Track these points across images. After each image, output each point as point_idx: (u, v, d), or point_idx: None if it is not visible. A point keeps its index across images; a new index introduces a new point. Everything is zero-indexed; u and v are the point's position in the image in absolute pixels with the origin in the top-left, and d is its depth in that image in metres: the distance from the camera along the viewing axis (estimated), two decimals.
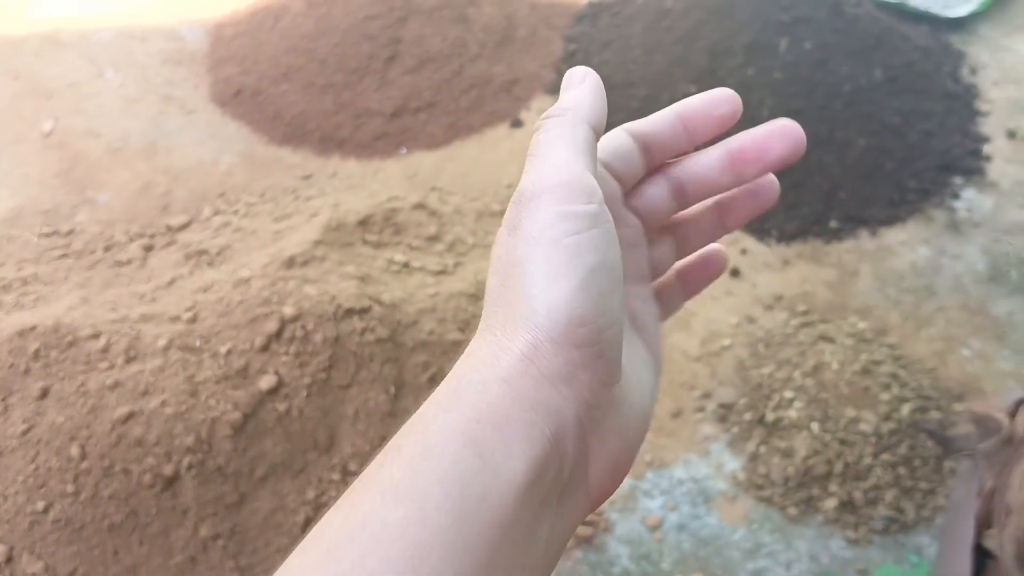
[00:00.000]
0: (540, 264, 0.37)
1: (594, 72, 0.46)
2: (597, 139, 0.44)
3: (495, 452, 0.34)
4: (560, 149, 0.41)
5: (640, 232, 0.50)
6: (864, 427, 1.76)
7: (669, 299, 0.56)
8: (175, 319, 1.68)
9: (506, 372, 0.36)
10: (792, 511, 1.75)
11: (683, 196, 0.50)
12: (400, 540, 0.31)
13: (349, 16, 2.28)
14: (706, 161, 0.49)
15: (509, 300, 0.38)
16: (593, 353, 0.37)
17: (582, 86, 0.45)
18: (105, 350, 1.62)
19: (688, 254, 0.54)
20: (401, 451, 0.35)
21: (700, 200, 0.51)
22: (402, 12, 2.31)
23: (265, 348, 1.62)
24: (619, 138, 0.47)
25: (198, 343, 1.64)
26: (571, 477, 0.38)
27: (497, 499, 0.33)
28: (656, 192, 0.49)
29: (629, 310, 0.48)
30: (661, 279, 0.54)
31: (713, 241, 0.55)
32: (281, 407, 1.61)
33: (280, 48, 2.30)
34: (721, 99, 0.47)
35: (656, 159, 0.49)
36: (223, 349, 1.63)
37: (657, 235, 0.51)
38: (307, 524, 1.61)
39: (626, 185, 0.48)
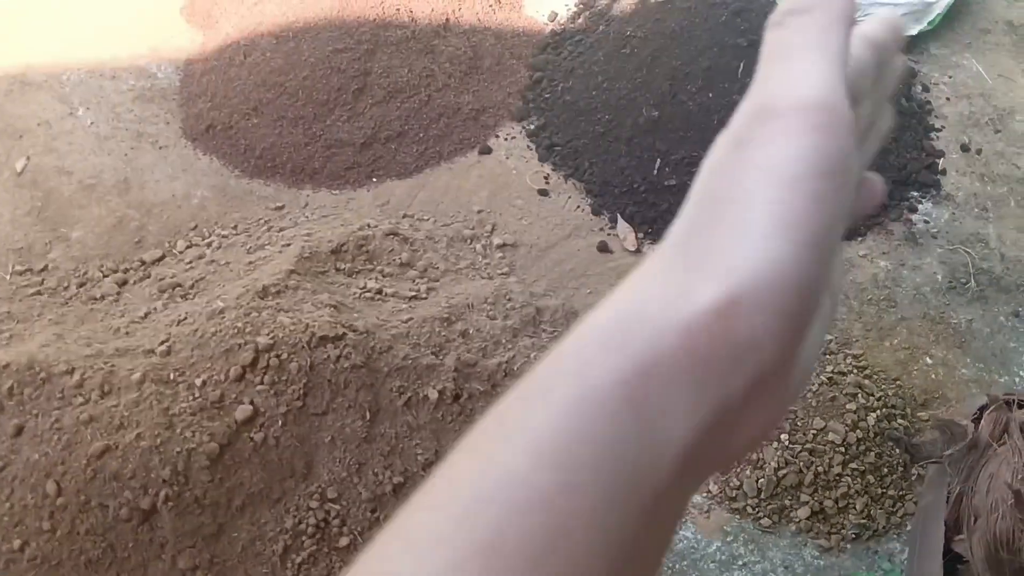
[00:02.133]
0: (767, 206, 0.31)
1: None
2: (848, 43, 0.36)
3: (658, 416, 0.29)
4: (816, 57, 0.34)
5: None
6: (832, 437, 1.81)
7: None
8: (150, 352, 1.70)
9: (690, 322, 0.30)
10: (765, 522, 1.78)
11: (874, 111, 0.43)
12: (546, 511, 0.27)
13: (317, 50, 2.33)
14: (889, 78, 0.44)
15: (713, 235, 0.32)
16: (790, 322, 0.31)
17: None
18: (79, 385, 1.63)
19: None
20: (550, 394, 0.30)
21: (881, 124, 0.44)
22: (370, 44, 2.36)
23: (240, 378, 1.64)
24: (864, 54, 0.39)
25: (173, 376, 1.65)
26: (723, 445, 0.33)
27: (652, 472, 0.29)
28: (867, 107, 0.42)
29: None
30: None
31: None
32: (257, 437, 1.62)
33: (250, 83, 2.34)
34: (899, 22, 0.43)
35: (881, 70, 0.42)
36: (198, 381, 1.64)
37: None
38: (286, 552, 1.62)
39: (856, 103, 0.39)
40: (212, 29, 2.59)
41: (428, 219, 2.22)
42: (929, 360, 2.02)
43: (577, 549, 0.27)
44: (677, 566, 1.73)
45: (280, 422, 1.64)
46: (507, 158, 2.39)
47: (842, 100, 0.33)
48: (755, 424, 0.33)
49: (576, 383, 0.29)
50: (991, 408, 1.56)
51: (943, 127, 2.52)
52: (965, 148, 2.46)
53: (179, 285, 1.97)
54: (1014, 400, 1.56)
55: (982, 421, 1.56)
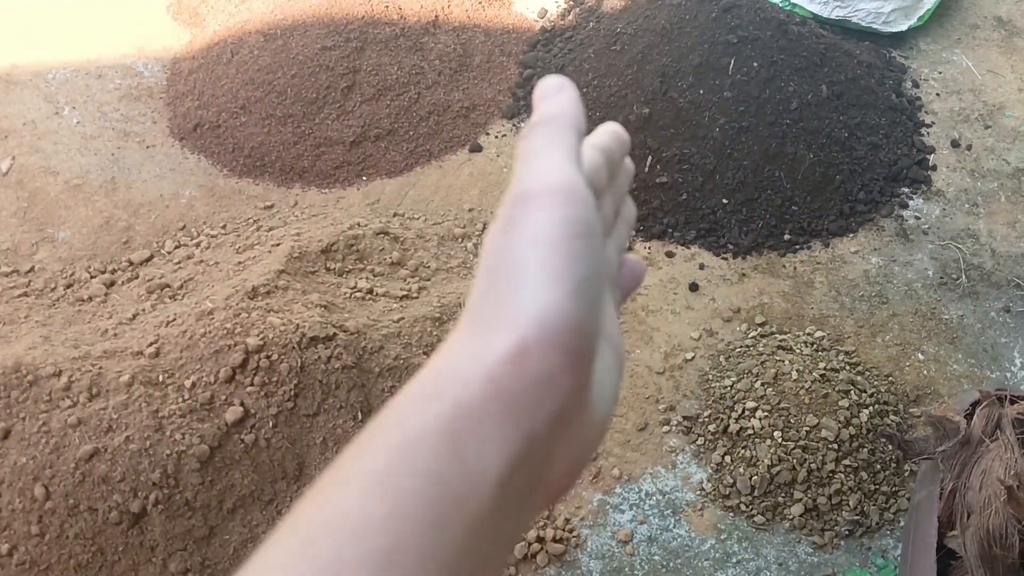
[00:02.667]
0: (536, 265, 0.38)
1: (569, 80, 0.48)
2: (580, 146, 0.46)
3: (473, 450, 0.34)
4: (554, 154, 0.42)
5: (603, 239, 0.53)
6: (825, 434, 1.80)
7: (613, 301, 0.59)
8: (138, 354, 1.68)
9: (489, 370, 0.36)
10: (759, 519, 1.78)
11: (616, 206, 0.54)
12: (379, 535, 0.31)
13: (306, 47, 2.31)
14: (623, 179, 0.55)
15: (499, 298, 0.39)
16: (575, 357, 0.37)
17: (562, 95, 0.46)
18: (67, 388, 1.62)
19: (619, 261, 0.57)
20: (377, 446, 0.35)
21: (626, 215, 0.56)
22: (358, 42, 2.34)
23: (230, 380, 1.62)
24: (593, 155, 0.50)
25: (162, 377, 1.64)
26: (538, 476, 0.39)
27: (473, 497, 0.33)
28: (608, 203, 0.53)
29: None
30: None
31: (625, 245, 0.58)
32: (248, 438, 1.61)
33: (238, 81, 2.32)
34: (621, 129, 0.54)
35: (611, 174, 0.52)
36: (188, 382, 1.62)
37: (606, 242, 0.55)
38: None
39: (596, 196, 0.50)
40: (199, 27, 2.57)
41: (419, 218, 2.21)
42: (921, 356, 2.02)
43: (412, 564, 0.31)
44: (671, 564, 1.73)
45: (271, 423, 1.62)
46: (498, 156, 2.38)
47: (579, 182, 0.41)
48: (566, 457, 0.39)
49: (399, 431, 0.34)
50: (983, 404, 1.56)
51: (933, 123, 2.52)
52: (955, 144, 2.47)
53: (167, 286, 1.95)
54: (1006, 396, 1.56)
55: (974, 417, 1.56)
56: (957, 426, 1.55)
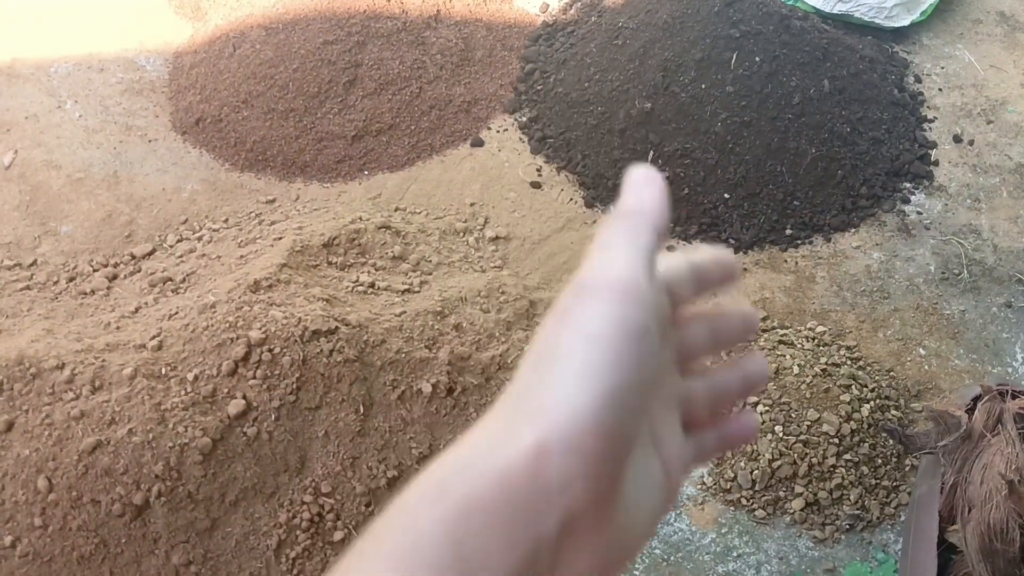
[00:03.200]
0: (577, 360, 0.37)
1: (659, 176, 0.46)
2: (659, 245, 0.44)
3: (477, 554, 0.34)
4: (625, 250, 0.41)
5: (675, 358, 0.49)
6: (826, 428, 1.81)
7: (701, 442, 0.53)
8: (141, 347, 1.68)
9: (505, 466, 0.35)
10: (760, 513, 1.79)
11: (716, 340, 0.51)
12: None
13: (308, 42, 2.31)
14: (731, 319, 0.52)
15: (535, 388, 0.38)
16: (596, 466, 0.36)
17: (649, 189, 0.45)
18: (70, 381, 1.62)
19: (720, 406, 0.52)
20: (382, 547, 0.35)
21: (727, 347, 0.52)
22: (360, 36, 2.34)
23: (232, 373, 1.63)
24: (678, 262, 0.48)
25: (164, 370, 1.64)
26: None
27: None
28: (699, 329, 0.49)
29: (654, 432, 0.47)
30: (696, 419, 0.52)
31: (739, 401, 0.54)
32: (250, 431, 1.61)
33: (240, 75, 2.32)
34: (732, 259, 0.52)
35: (702, 289, 0.49)
36: (190, 375, 1.63)
37: (692, 373, 0.51)
38: (280, 547, 1.61)
39: (676, 308, 0.48)
40: (201, 21, 2.57)
41: (420, 212, 2.21)
42: (922, 351, 2.03)
43: None
44: (672, 558, 1.73)
45: (273, 416, 1.63)
46: (499, 150, 2.38)
47: (642, 281, 0.40)
48: (582, 564, 0.38)
49: (403, 535, 0.34)
50: (984, 399, 1.56)
51: (935, 118, 2.52)
52: (957, 139, 2.46)
53: (170, 279, 1.96)
54: (1007, 390, 1.56)
55: (976, 412, 1.56)
56: (958, 421, 1.56)
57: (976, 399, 1.59)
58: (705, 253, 0.50)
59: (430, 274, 2.00)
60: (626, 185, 0.46)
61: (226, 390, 1.62)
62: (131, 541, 1.55)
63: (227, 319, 1.66)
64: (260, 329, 1.64)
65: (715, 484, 1.82)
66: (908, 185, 2.34)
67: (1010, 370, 2.01)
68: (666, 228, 0.44)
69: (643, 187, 0.45)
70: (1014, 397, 1.57)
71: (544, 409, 0.36)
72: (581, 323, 0.38)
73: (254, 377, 1.63)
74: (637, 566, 1.72)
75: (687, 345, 0.49)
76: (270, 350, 1.63)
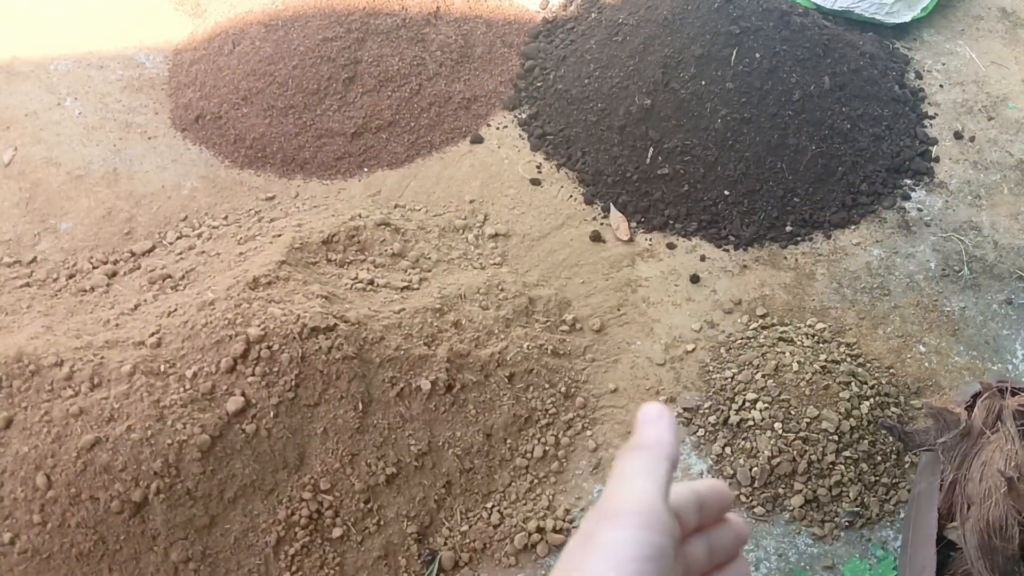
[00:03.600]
0: None
1: (670, 412, 0.53)
2: (673, 474, 0.50)
3: None
4: (643, 479, 0.46)
5: (681, 575, 0.55)
6: (826, 425, 1.80)
7: None
8: (140, 344, 1.68)
9: None
10: (759, 510, 1.78)
11: (712, 555, 0.57)
12: None
13: (307, 38, 2.31)
14: (724, 533, 0.58)
15: None
16: None
17: (661, 423, 0.51)
18: (69, 378, 1.62)
19: None
20: None
21: (721, 561, 0.58)
22: (360, 33, 2.34)
23: (231, 370, 1.63)
24: (686, 492, 0.55)
25: (163, 367, 1.64)
26: None
27: None
28: (700, 546, 0.56)
29: None
30: None
31: None
32: (249, 428, 1.61)
33: (239, 72, 2.32)
34: (728, 491, 0.59)
35: (703, 519, 0.56)
36: (189, 372, 1.63)
37: None
38: (278, 544, 1.61)
39: (683, 532, 0.54)
40: (201, 18, 2.56)
41: (420, 209, 2.21)
42: (922, 348, 2.02)
43: None
44: None
45: (272, 413, 1.63)
46: (499, 147, 2.38)
47: (660, 508, 0.45)
48: None
49: None
50: (984, 395, 1.55)
51: (936, 114, 2.51)
52: (958, 135, 2.46)
53: (169, 276, 1.96)
54: (1007, 387, 1.56)
55: (975, 409, 1.56)
56: (958, 418, 1.55)
57: (976, 396, 1.58)
58: (704, 485, 0.57)
59: (429, 271, 2.00)
60: (641, 420, 0.52)
61: (225, 387, 1.62)
62: (130, 538, 1.55)
63: (226, 316, 1.66)
64: (259, 326, 1.64)
65: None
66: (909, 182, 2.33)
67: (1010, 367, 2.00)
68: (677, 459, 0.51)
69: (656, 421, 0.51)
70: (1014, 394, 1.57)
71: None
72: (606, 548, 0.43)
73: (253, 374, 1.63)
74: None
75: (692, 561, 0.55)
76: (269, 347, 1.63)
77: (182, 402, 1.60)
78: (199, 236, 2.10)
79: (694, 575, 0.56)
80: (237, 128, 2.29)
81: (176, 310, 1.76)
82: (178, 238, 2.11)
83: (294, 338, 1.64)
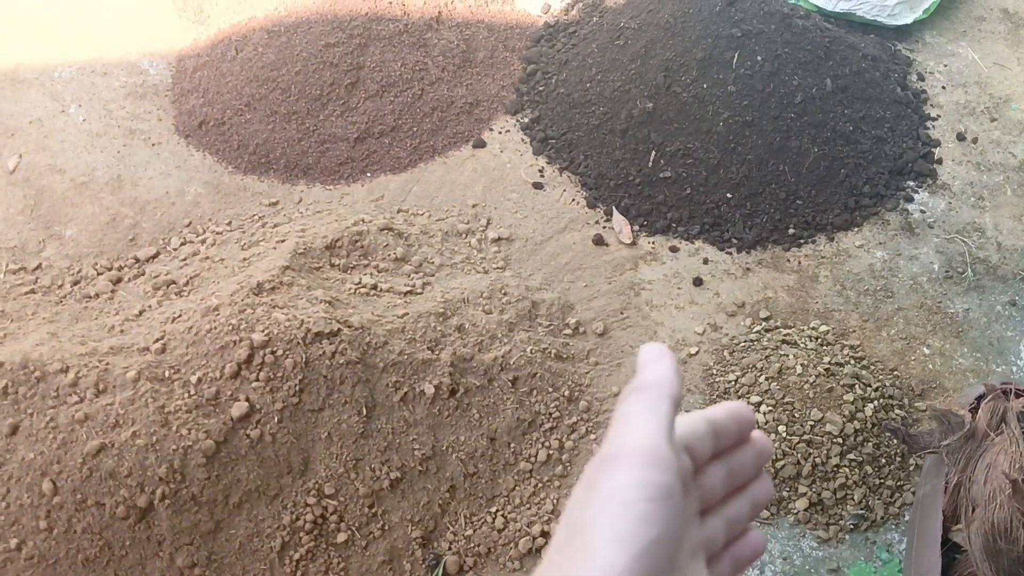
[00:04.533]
0: (607, 525, 0.41)
1: (670, 351, 0.52)
2: (676, 411, 0.49)
3: None
4: (644, 419, 0.46)
5: (698, 508, 0.54)
6: (830, 428, 1.80)
7: (719, 570, 0.59)
8: (144, 350, 1.69)
9: None
10: (763, 513, 1.78)
11: (731, 480, 0.56)
12: None
13: (309, 44, 2.31)
14: (743, 455, 0.57)
15: (570, 556, 0.41)
16: None
17: (661, 362, 0.50)
18: (74, 384, 1.63)
19: (733, 535, 0.58)
20: None
21: (742, 483, 0.57)
22: (362, 39, 2.34)
23: (236, 375, 1.63)
24: (698, 423, 0.53)
25: (168, 373, 1.65)
26: None
27: None
28: (716, 474, 0.55)
29: None
30: (715, 552, 0.58)
31: (748, 524, 0.59)
32: (253, 433, 1.61)
33: (242, 78, 2.33)
34: (748, 411, 0.57)
35: (720, 446, 0.55)
36: (193, 378, 1.63)
37: (711, 514, 0.56)
38: (283, 549, 1.62)
39: (697, 463, 0.53)
40: (204, 24, 2.57)
41: (423, 214, 2.21)
42: (926, 350, 2.02)
43: None
44: None
45: (276, 418, 1.63)
46: (501, 151, 2.39)
47: (664, 447, 0.44)
48: None
49: None
50: (988, 397, 1.55)
51: (939, 116, 2.51)
52: (961, 137, 2.46)
53: (173, 282, 1.96)
54: (1011, 389, 1.56)
55: (979, 411, 1.56)
56: (962, 420, 1.55)
57: (980, 398, 1.58)
58: (721, 410, 0.55)
59: (432, 275, 2.00)
60: (640, 360, 0.51)
61: (229, 392, 1.63)
62: (135, 544, 1.56)
63: (230, 322, 1.67)
64: (263, 331, 1.65)
65: None
66: (911, 183, 2.33)
67: (1015, 368, 2.00)
68: (680, 397, 0.50)
69: (656, 361, 0.50)
70: (1018, 396, 1.57)
71: (584, 573, 0.40)
72: (608, 492, 0.42)
73: (257, 379, 1.63)
74: None
75: (708, 491, 0.54)
76: (273, 352, 1.64)
77: (187, 408, 1.61)
78: (203, 242, 2.11)
79: (714, 501, 0.55)
80: (240, 134, 2.30)
81: (180, 316, 1.77)
82: (182, 244, 2.12)
83: (298, 343, 1.65)
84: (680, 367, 0.51)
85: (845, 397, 1.84)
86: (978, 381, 1.93)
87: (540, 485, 1.80)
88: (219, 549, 1.60)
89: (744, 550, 0.56)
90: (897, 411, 1.89)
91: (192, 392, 1.62)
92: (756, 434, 0.58)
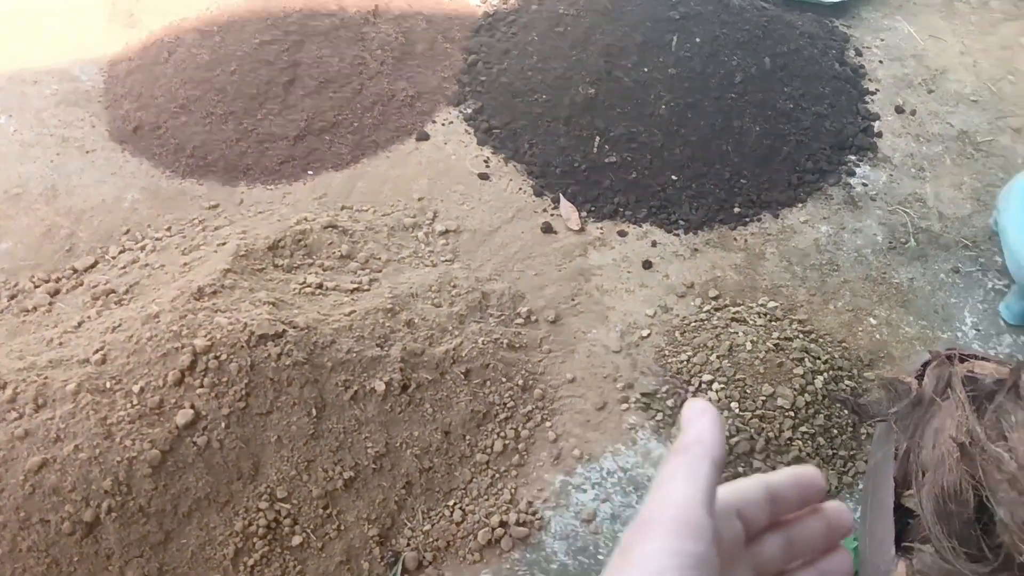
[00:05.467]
0: None
1: (712, 407, 0.50)
2: (719, 474, 0.47)
3: None
4: (682, 484, 0.45)
5: None
6: (781, 402, 1.82)
7: None
8: (84, 362, 1.65)
9: None
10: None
11: (791, 551, 0.54)
12: None
13: (244, 43, 2.27)
14: (810, 526, 0.54)
15: None
16: None
17: (703, 420, 0.48)
18: (12, 400, 1.58)
19: None
20: None
21: (803, 557, 0.55)
22: (298, 35, 2.31)
23: (179, 382, 1.60)
24: (752, 487, 0.52)
25: (109, 384, 1.61)
26: None
27: None
28: (774, 543, 0.53)
29: None
30: None
31: None
32: (200, 440, 1.58)
33: (176, 80, 2.28)
34: (816, 477, 0.54)
35: (778, 513, 0.53)
36: (136, 387, 1.60)
37: None
38: (237, 555, 1.59)
39: (750, 530, 0.51)
40: (135, 28, 2.52)
41: (367, 209, 2.19)
42: (873, 320, 2.04)
43: None
44: None
45: (223, 424, 1.60)
46: (445, 143, 2.37)
47: (699, 514, 0.43)
48: None
49: None
50: (933, 364, 1.57)
51: (877, 90, 2.54)
52: (900, 110, 2.49)
53: (113, 291, 1.92)
54: (955, 355, 1.58)
55: (925, 377, 1.58)
56: (909, 387, 1.57)
57: (926, 365, 1.60)
58: (783, 474, 0.53)
59: (379, 271, 1.98)
60: (683, 417, 0.50)
61: (173, 400, 1.59)
62: (83, 559, 1.52)
63: (171, 328, 1.63)
64: (205, 337, 1.61)
65: None
66: (853, 158, 2.36)
67: (960, 334, 2.03)
68: (724, 457, 0.48)
69: (698, 419, 0.49)
70: (962, 360, 1.59)
71: None
72: (641, 561, 0.41)
73: (201, 386, 1.60)
74: (602, 551, 1.72)
75: (764, 560, 0.53)
76: (216, 357, 1.61)
77: (130, 418, 1.57)
78: (142, 249, 2.06)
79: (771, 572, 0.53)
80: (177, 137, 2.25)
81: (120, 325, 1.73)
82: (121, 252, 2.07)
83: (242, 347, 1.62)
84: (723, 425, 0.49)
85: (795, 371, 1.85)
86: (924, 349, 1.96)
87: (497, 476, 1.79)
88: (170, 560, 1.56)
89: None
90: (847, 382, 1.91)
91: (135, 402, 1.59)
92: (831, 505, 0.55)
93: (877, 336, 2.02)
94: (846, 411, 1.83)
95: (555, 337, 2.00)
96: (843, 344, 1.99)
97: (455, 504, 1.74)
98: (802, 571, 0.54)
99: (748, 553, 0.52)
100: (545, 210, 2.24)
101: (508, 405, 1.86)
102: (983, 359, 1.60)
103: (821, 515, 0.54)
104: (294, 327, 1.68)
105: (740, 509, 0.50)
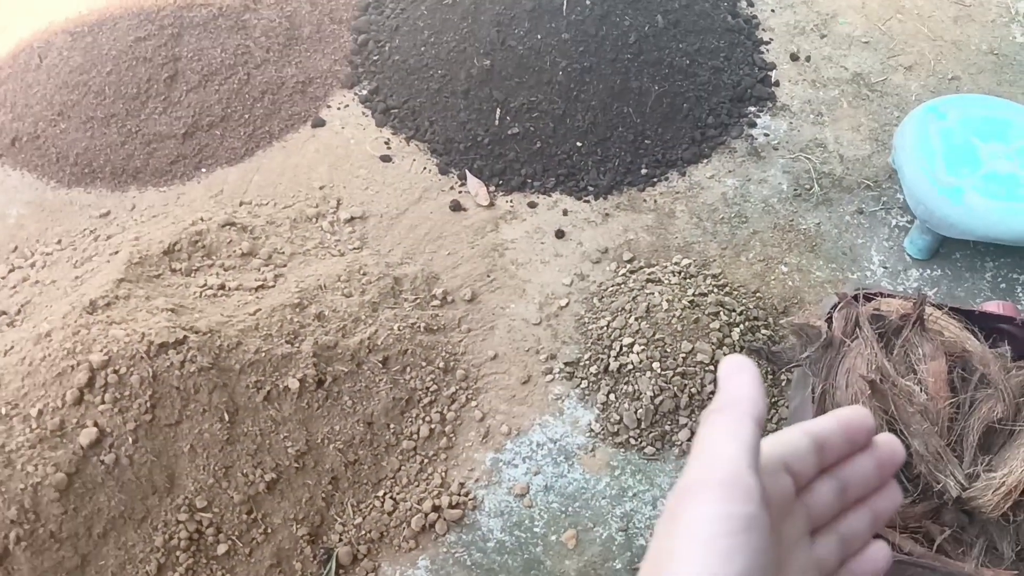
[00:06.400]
0: (689, 563, 0.39)
1: (751, 363, 0.47)
2: (761, 431, 0.45)
3: None
4: (724, 444, 0.43)
5: (806, 528, 0.51)
6: (701, 357, 1.83)
7: None
8: None
9: None
10: (649, 450, 1.80)
11: (845, 494, 0.52)
12: None
13: (118, 41, 2.16)
14: (862, 464, 0.52)
15: None
16: None
17: (741, 377, 0.46)
18: None
19: (850, 552, 0.54)
20: None
21: (858, 497, 0.53)
22: (174, 28, 2.21)
23: (79, 401, 1.52)
24: (797, 438, 0.50)
25: (4, 410, 1.53)
26: None
27: None
28: (826, 490, 0.51)
29: None
30: (829, 572, 0.54)
31: (868, 538, 0.55)
32: (108, 458, 1.52)
33: (50, 86, 2.16)
34: (864, 419, 0.52)
35: (827, 460, 0.51)
36: (33, 411, 1.52)
37: (822, 533, 0.52)
38: (160, 571, 1.53)
39: (799, 482, 0.50)
40: (2, 34, 2.38)
41: (267, 203, 2.12)
42: (784, 268, 2.07)
43: None
44: (570, 508, 1.73)
45: (130, 439, 1.53)
46: (343, 128, 2.30)
47: (745, 475, 0.41)
48: None
49: None
50: (840, 306, 1.60)
51: (771, 39, 2.56)
52: (794, 57, 2.52)
53: (3, 313, 1.82)
54: (861, 294, 1.61)
55: (833, 320, 1.60)
56: (819, 330, 1.59)
57: (834, 307, 1.62)
58: (828, 420, 0.51)
59: (284, 266, 1.92)
60: (720, 376, 0.48)
61: (75, 420, 1.52)
62: None
63: (64, 346, 1.55)
64: (101, 351, 1.54)
65: (603, 429, 1.82)
66: (753, 109, 2.38)
67: (868, 273, 2.08)
68: (765, 413, 0.46)
69: (736, 375, 0.47)
70: (868, 299, 1.62)
71: None
72: (689, 527, 0.40)
73: (103, 402, 1.53)
74: (537, 523, 1.71)
75: (818, 509, 0.51)
76: (115, 371, 1.54)
77: (30, 443, 1.50)
78: (32, 265, 1.96)
79: (826, 519, 0.51)
80: (58, 145, 2.14)
81: (12, 348, 1.64)
82: (10, 271, 1.97)
83: (141, 358, 1.55)
84: (761, 379, 0.46)
85: (712, 325, 1.87)
86: (834, 292, 1.99)
87: (426, 461, 1.77)
88: None
89: (863, 566, 0.53)
90: (763, 331, 1.93)
91: (34, 426, 1.51)
92: (882, 438, 0.53)
93: (789, 283, 2.05)
94: (762, 360, 1.85)
95: (473, 315, 1.97)
96: (757, 294, 2.02)
97: (385, 494, 1.71)
98: (854, 512, 0.53)
99: (801, 505, 0.50)
100: (452, 188, 2.20)
101: (431, 389, 1.83)
102: (888, 296, 1.64)
103: (870, 452, 0.53)
104: (195, 332, 1.62)
105: (787, 462, 0.49)
